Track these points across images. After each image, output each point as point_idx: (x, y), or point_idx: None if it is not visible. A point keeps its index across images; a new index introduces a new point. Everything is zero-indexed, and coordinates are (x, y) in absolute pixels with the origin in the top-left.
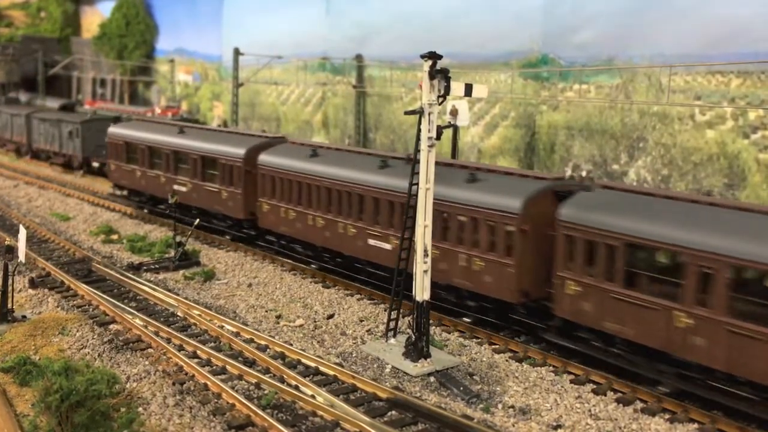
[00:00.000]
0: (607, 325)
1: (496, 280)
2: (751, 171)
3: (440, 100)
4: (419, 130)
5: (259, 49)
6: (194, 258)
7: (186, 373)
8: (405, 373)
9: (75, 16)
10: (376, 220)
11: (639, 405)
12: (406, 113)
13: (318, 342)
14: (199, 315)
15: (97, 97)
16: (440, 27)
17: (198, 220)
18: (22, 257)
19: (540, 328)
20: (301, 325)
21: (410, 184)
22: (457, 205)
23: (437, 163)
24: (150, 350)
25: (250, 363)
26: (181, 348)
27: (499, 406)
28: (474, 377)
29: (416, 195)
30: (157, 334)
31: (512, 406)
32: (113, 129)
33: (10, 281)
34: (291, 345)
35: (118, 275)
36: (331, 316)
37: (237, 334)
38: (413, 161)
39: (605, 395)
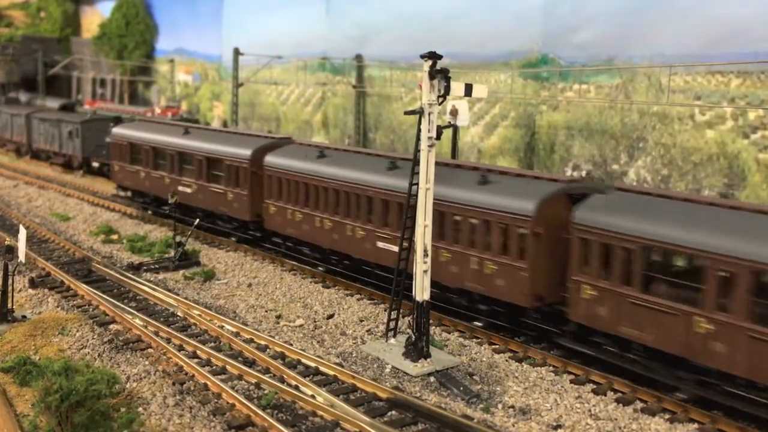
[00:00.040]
0: (624, 330)
1: (509, 284)
2: (751, 171)
3: (440, 100)
4: (419, 130)
5: (259, 49)
6: (194, 258)
7: (186, 373)
8: (405, 373)
9: (75, 16)
10: (385, 222)
11: (639, 405)
12: (406, 113)
13: (318, 342)
14: (199, 315)
15: (97, 97)
16: (440, 27)
17: (198, 219)
18: (22, 257)
19: (554, 333)
20: (301, 325)
21: (410, 184)
22: (469, 208)
23: (447, 165)
24: (150, 350)
25: (250, 363)
26: (181, 348)
27: (499, 406)
28: (474, 377)
29: (416, 195)
30: (157, 334)
31: (512, 406)
32: (117, 130)
33: (10, 281)
34: (291, 345)
35: (118, 275)
36: (331, 316)
37: (237, 334)
38: (413, 161)
39: (605, 395)
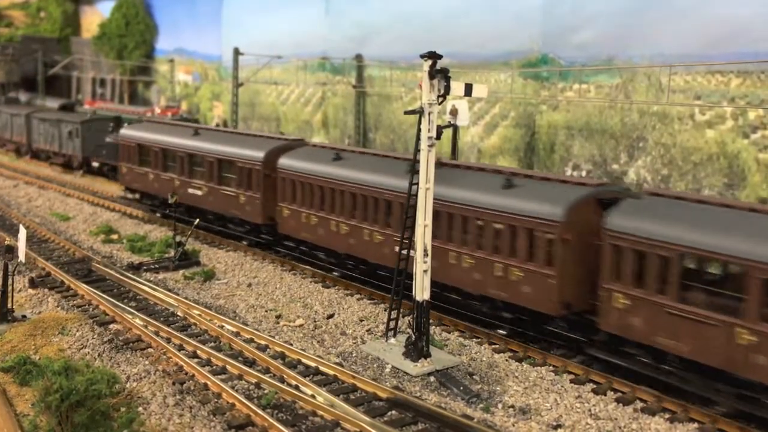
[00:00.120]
0: (660, 340)
1: (536, 291)
2: (751, 171)
3: (440, 99)
4: (419, 130)
5: (259, 49)
6: (194, 258)
7: (186, 373)
8: (405, 372)
9: (75, 16)
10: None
11: (639, 404)
12: (406, 113)
13: (318, 342)
14: (199, 315)
15: (97, 97)
16: (440, 27)
17: (198, 219)
18: (22, 257)
19: (583, 342)
20: (301, 325)
21: (410, 183)
22: (493, 212)
23: (470, 168)
24: (150, 350)
25: (250, 363)
26: (181, 348)
27: (499, 405)
28: (474, 377)
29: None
30: (157, 333)
31: (512, 406)
32: (125, 131)
33: (10, 281)
34: (291, 345)
35: (117, 275)
36: (331, 316)
37: (237, 334)
38: (413, 161)
39: (605, 395)
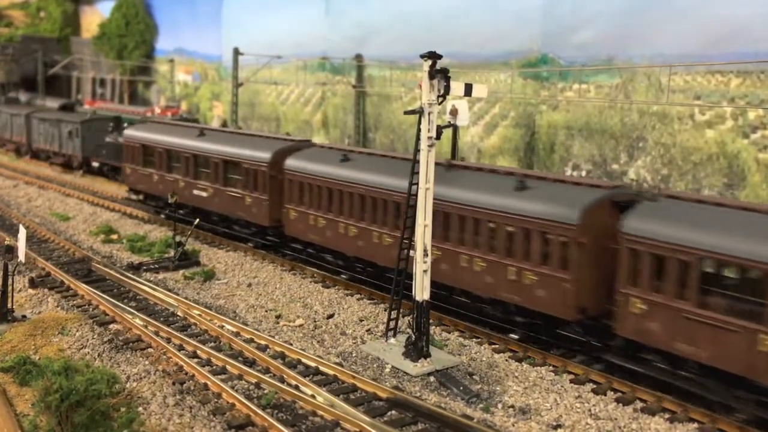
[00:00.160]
0: (678, 346)
1: (551, 295)
2: (751, 171)
3: (440, 99)
4: (419, 130)
5: (259, 49)
6: (194, 258)
7: (186, 373)
8: (405, 372)
9: (75, 16)
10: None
11: (639, 404)
12: (406, 113)
13: (318, 342)
14: (199, 315)
15: (97, 97)
16: (440, 27)
17: (198, 219)
18: (22, 257)
19: (598, 347)
20: (300, 325)
21: (410, 183)
22: (506, 215)
23: (481, 170)
24: (150, 350)
25: (250, 363)
26: (181, 348)
27: (499, 405)
28: (474, 377)
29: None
30: (157, 333)
31: (512, 406)
32: (129, 131)
33: (10, 281)
34: (291, 345)
35: (117, 275)
36: (331, 316)
37: (237, 334)
38: (413, 161)
39: (605, 395)
